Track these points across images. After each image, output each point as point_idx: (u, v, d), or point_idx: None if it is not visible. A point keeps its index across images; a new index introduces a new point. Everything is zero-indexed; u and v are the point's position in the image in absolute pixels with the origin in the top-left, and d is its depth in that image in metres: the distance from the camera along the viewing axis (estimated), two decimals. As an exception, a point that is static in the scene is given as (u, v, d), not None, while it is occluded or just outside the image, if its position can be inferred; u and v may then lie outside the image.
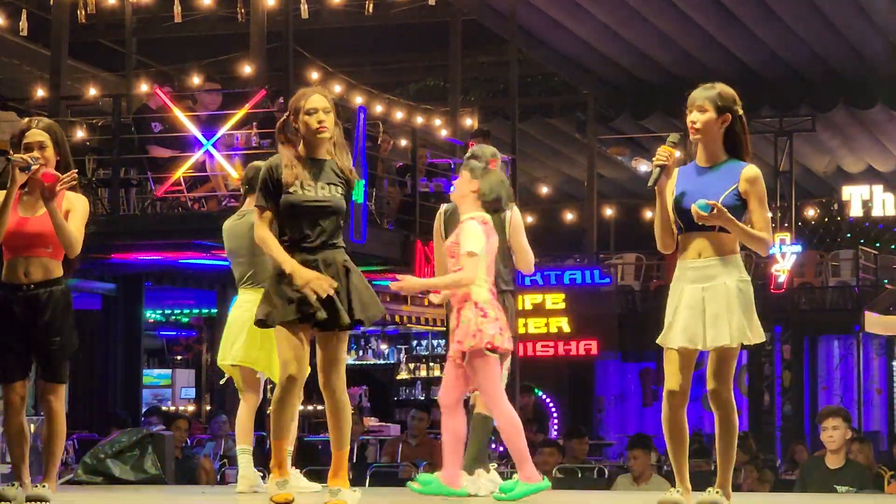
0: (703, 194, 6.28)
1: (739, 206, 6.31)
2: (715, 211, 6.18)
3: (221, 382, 9.03)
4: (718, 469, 6.44)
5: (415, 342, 25.05)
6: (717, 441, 6.41)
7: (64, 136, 7.01)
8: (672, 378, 6.35)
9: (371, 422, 19.69)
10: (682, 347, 6.31)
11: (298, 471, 8.47)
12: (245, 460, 8.45)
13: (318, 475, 8.57)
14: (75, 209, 6.88)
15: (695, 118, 6.39)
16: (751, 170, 6.36)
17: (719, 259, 6.32)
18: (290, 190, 6.57)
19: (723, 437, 6.39)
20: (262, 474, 8.41)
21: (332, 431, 6.59)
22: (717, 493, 6.36)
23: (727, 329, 6.25)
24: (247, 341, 8.36)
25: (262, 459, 9.19)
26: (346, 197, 6.69)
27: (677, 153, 6.46)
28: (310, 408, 17.62)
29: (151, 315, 21.38)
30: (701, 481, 6.66)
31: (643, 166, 26.03)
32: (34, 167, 6.77)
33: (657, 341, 6.39)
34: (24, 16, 18.28)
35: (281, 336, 6.60)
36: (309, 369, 6.74)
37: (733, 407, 6.37)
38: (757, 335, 6.34)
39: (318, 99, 6.61)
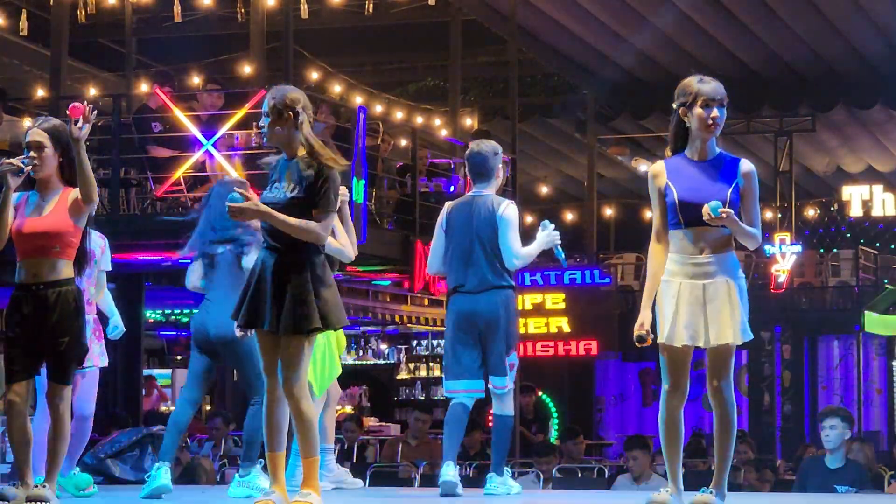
0: (708, 190, 6.28)
1: (738, 202, 6.31)
2: (725, 215, 6.18)
3: None
4: (716, 468, 6.40)
5: (415, 342, 25.04)
6: (716, 440, 6.36)
7: (69, 136, 6.95)
8: (673, 377, 6.31)
9: (371, 422, 19.70)
10: (685, 346, 6.28)
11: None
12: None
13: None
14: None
15: (717, 114, 6.37)
16: (746, 165, 6.40)
17: (720, 256, 6.32)
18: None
19: (722, 436, 6.35)
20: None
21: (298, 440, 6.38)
22: (712, 492, 6.34)
23: (730, 326, 6.24)
24: None
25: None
26: (314, 187, 6.29)
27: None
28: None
29: (151, 315, 21.34)
30: (697, 481, 6.64)
31: (643, 166, 26.01)
32: (26, 168, 6.77)
33: (659, 340, 6.31)
34: (24, 16, 18.30)
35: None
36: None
37: (734, 405, 6.34)
38: (749, 333, 6.32)
39: (266, 101, 6.42)
